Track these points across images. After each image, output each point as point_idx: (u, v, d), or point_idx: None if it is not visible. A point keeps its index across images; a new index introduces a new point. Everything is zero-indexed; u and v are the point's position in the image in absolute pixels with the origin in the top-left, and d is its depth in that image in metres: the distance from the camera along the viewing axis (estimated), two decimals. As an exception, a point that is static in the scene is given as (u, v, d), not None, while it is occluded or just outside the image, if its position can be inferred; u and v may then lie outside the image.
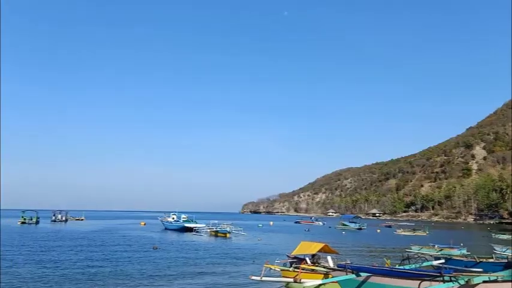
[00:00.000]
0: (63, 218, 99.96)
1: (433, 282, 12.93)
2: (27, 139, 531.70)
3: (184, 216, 75.30)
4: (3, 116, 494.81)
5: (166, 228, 71.96)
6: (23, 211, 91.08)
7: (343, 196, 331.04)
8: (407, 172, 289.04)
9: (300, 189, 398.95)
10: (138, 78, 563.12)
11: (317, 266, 18.86)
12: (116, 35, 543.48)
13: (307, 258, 19.78)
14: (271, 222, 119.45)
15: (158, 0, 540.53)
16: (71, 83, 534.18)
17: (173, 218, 76.82)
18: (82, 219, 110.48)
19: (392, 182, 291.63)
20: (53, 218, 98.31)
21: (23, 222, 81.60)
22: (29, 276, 20.14)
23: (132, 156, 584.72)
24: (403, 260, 19.95)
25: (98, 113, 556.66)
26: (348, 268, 15.73)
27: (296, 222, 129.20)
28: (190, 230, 63.16)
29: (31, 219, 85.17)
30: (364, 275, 14.42)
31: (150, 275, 20.91)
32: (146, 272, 22.05)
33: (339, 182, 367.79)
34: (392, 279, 13.54)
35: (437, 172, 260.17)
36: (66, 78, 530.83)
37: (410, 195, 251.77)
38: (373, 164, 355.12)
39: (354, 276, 14.66)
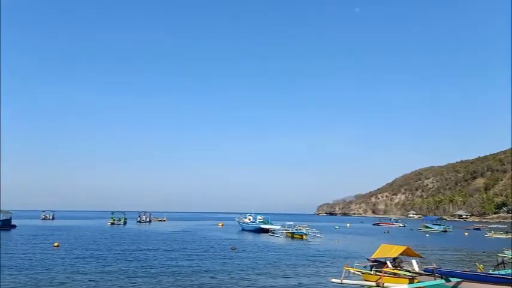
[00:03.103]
0: (147, 219, 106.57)
1: (534, 290, 11.90)
2: (109, 143, 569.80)
3: (260, 218, 76.47)
4: (86, 119, 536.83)
5: (243, 229, 73.49)
6: (112, 212, 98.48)
7: (425, 197, 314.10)
8: (497, 170, 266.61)
9: (378, 189, 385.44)
10: (220, 82, 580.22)
11: (399, 269, 18.11)
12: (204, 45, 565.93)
13: (388, 262, 19.06)
14: (348, 224, 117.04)
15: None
16: (142, 87, 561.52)
17: (249, 219, 78.30)
18: (164, 220, 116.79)
19: (480, 182, 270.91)
20: (138, 219, 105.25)
21: (112, 223, 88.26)
22: (119, 276, 21.61)
23: (208, 158, 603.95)
24: (498, 264, 18.56)
25: (180, 115, 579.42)
26: (436, 273, 14.97)
27: (374, 224, 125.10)
28: (266, 231, 63.85)
29: (119, 220, 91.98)
30: (454, 280, 13.63)
31: (232, 277, 21.28)
32: (229, 273, 22.52)
33: (419, 182, 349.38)
34: (486, 285, 12.66)
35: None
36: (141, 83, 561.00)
37: (501, 195, 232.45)
38: (457, 162, 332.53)
39: (443, 281, 13.92)
